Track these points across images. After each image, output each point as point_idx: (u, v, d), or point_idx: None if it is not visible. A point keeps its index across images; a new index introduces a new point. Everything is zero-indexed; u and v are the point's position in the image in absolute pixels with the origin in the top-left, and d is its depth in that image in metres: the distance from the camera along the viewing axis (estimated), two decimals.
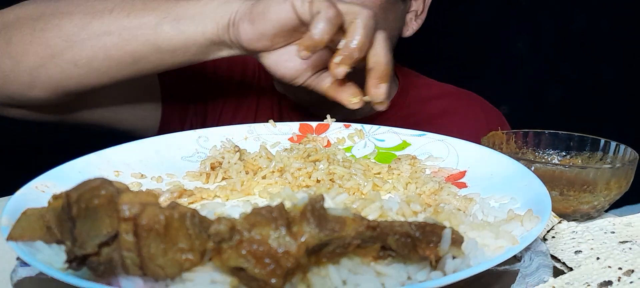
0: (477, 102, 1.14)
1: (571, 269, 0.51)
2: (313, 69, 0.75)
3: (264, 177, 0.65)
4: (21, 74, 0.78)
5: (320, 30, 0.65)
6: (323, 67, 0.75)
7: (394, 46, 1.00)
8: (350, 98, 0.72)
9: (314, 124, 0.77)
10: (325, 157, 0.68)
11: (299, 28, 0.70)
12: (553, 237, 0.56)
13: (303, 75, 0.75)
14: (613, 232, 0.56)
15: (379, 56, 0.69)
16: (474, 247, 0.44)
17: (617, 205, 0.73)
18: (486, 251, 0.46)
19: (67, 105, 0.85)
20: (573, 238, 0.55)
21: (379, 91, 0.70)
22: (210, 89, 1.03)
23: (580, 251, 0.53)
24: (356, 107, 0.72)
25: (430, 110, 1.09)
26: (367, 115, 1.03)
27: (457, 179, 0.65)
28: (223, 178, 0.66)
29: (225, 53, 0.77)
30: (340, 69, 0.67)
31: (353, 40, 0.67)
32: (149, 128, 0.98)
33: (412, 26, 1.04)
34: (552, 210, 0.53)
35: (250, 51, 0.74)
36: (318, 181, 0.64)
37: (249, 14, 0.71)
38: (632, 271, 0.49)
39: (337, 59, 0.67)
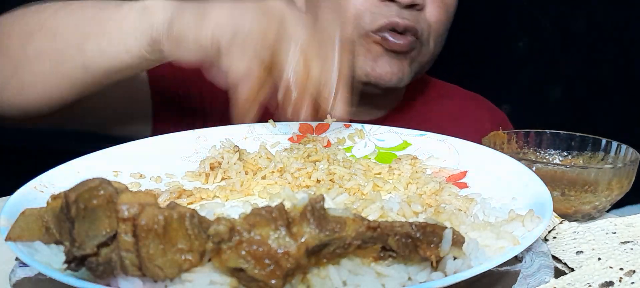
0: (483, 104, 1.15)
1: (572, 270, 0.51)
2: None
3: (263, 177, 0.64)
4: None
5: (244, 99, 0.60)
6: None
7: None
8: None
9: (314, 123, 0.77)
10: (325, 157, 0.67)
11: None
12: (554, 237, 0.55)
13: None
14: (614, 233, 0.56)
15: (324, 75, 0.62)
16: (475, 247, 0.44)
17: (619, 205, 0.73)
18: (487, 251, 0.46)
19: (54, 115, 0.82)
20: (574, 239, 0.55)
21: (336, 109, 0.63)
22: (203, 105, 1.01)
23: (581, 251, 0.53)
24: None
25: (436, 110, 1.10)
26: (376, 117, 1.05)
27: (458, 179, 0.65)
28: (222, 179, 0.65)
29: (163, 61, 0.72)
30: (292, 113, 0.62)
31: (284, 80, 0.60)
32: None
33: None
34: (554, 211, 0.53)
35: None
36: (318, 181, 0.63)
37: (167, 35, 0.65)
38: (634, 271, 0.49)
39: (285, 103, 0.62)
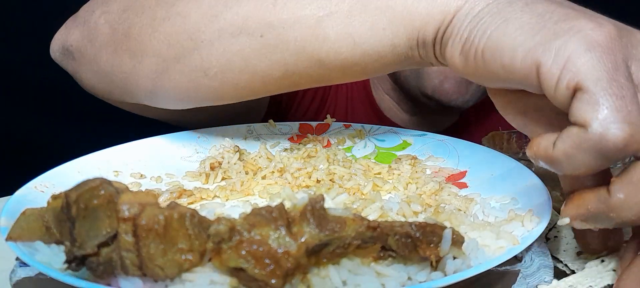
0: None
1: (573, 271, 0.51)
2: None
3: (263, 177, 0.65)
4: (141, 77, 0.58)
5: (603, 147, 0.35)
6: None
7: None
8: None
9: (314, 123, 0.77)
10: (325, 157, 0.68)
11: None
12: (555, 236, 0.56)
13: None
14: None
15: None
16: (474, 247, 0.44)
17: None
18: (487, 251, 0.46)
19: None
20: (575, 238, 0.55)
21: None
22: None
23: (582, 252, 0.53)
24: None
25: (485, 128, 1.06)
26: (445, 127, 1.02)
27: (457, 179, 0.65)
28: (223, 179, 0.66)
29: (425, 66, 0.50)
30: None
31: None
32: None
33: None
34: (553, 210, 0.53)
35: None
36: (318, 181, 0.63)
37: (461, 43, 0.43)
38: None
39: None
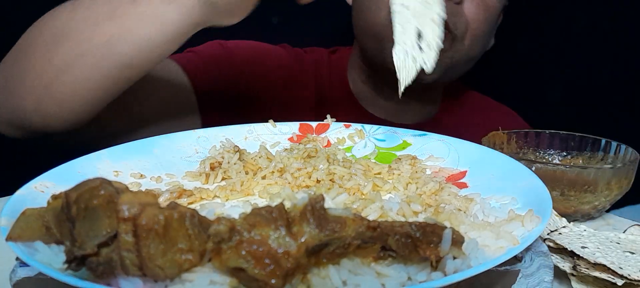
0: (514, 118, 1.15)
1: (579, 257, 0.51)
2: None
3: (263, 177, 0.64)
4: (28, 101, 0.74)
5: None
6: None
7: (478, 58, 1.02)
8: None
9: (314, 123, 0.77)
10: (325, 157, 0.67)
11: None
12: (560, 233, 0.56)
13: None
14: (618, 243, 0.57)
15: None
16: (474, 247, 0.44)
17: (619, 205, 0.73)
18: (487, 251, 0.46)
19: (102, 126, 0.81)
20: (579, 238, 0.56)
21: None
22: (250, 96, 1.00)
23: (586, 247, 0.53)
24: None
25: (471, 122, 1.09)
26: (414, 122, 1.05)
27: (457, 179, 0.65)
28: (223, 179, 0.66)
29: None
30: None
31: None
32: None
33: (491, 41, 1.05)
34: (553, 210, 0.53)
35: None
36: (318, 181, 0.63)
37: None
38: None
39: None
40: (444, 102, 1.10)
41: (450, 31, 0.91)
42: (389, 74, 0.93)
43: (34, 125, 0.76)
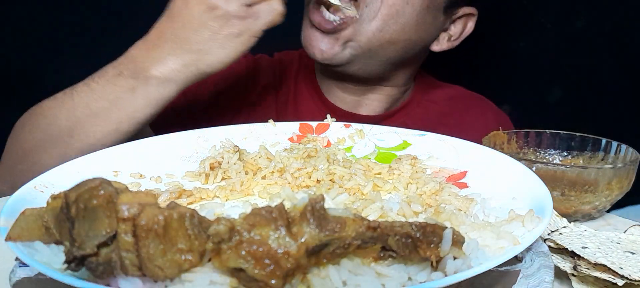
0: (487, 105, 1.16)
1: (580, 257, 0.51)
2: None
3: (263, 177, 0.64)
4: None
5: None
6: None
7: (416, 53, 1.02)
8: None
9: (314, 123, 0.77)
10: (325, 157, 0.67)
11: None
12: (560, 233, 0.56)
13: None
14: (619, 243, 0.57)
15: None
16: (475, 247, 0.44)
17: (619, 205, 0.73)
18: (487, 251, 0.46)
19: None
20: (580, 238, 0.56)
21: None
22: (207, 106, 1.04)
23: (587, 247, 0.53)
24: None
25: (440, 111, 1.10)
26: (375, 114, 1.06)
27: (458, 179, 0.65)
28: (222, 179, 0.65)
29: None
30: None
31: None
32: None
33: (442, 44, 1.03)
34: (554, 210, 0.53)
35: None
36: (318, 181, 0.63)
37: (198, 71, 0.80)
38: None
39: None
40: (412, 94, 1.11)
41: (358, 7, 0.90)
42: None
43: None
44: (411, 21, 0.94)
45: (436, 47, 1.03)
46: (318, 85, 1.09)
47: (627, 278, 0.51)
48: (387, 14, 0.91)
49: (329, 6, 0.90)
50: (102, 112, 0.80)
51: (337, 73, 1.01)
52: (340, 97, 1.07)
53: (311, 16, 0.92)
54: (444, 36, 1.03)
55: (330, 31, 0.92)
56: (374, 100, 1.07)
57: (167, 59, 0.79)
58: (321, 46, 0.94)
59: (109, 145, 0.73)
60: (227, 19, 0.77)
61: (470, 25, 1.04)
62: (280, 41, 1.20)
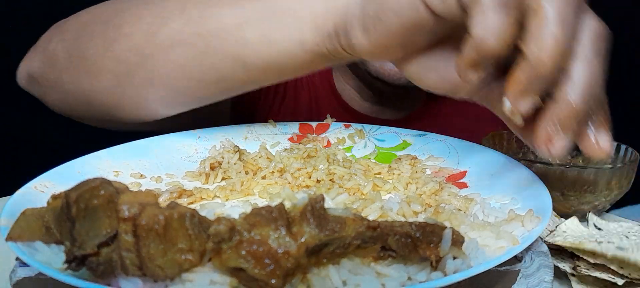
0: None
1: (579, 257, 0.52)
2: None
3: (263, 177, 0.65)
4: (100, 93, 0.64)
5: (488, 29, 0.39)
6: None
7: None
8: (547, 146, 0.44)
9: (314, 123, 0.77)
10: (325, 157, 0.68)
11: (442, 25, 0.45)
12: (564, 231, 0.56)
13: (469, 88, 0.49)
14: (627, 237, 0.57)
15: (587, 77, 0.41)
16: (474, 247, 0.44)
17: (619, 205, 0.73)
18: (487, 251, 0.46)
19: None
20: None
21: (597, 144, 0.44)
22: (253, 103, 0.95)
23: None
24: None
25: (458, 113, 1.09)
26: (398, 118, 1.05)
27: (457, 179, 0.65)
28: (223, 179, 0.66)
29: (340, 61, 0.55)
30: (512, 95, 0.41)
31: (538, 46, 0.39)
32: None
33: None
34: (553, 210, 0.53)
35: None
36: (318, 181, 0.63)
37: (360, 18, 0.48)
38: None
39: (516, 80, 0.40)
40: (428, 96, 1.09)
41: None
42: (375, 79, 0.93)
43: (107, 115, 0.67)
44: None
45: None
46: (335, 87, 1.06)
47: (627, 277, 0.51)
48: None
49: None
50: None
51: (391, 87, 0.92)
52: (359, 102, 1.05)
53: None
54: None
55: None
56: (392, 108, 1.05)
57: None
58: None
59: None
60: None
61: None
62: None
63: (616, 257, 0.51)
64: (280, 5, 0.54)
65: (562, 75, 0.41)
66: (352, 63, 0.98)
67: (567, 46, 0.40)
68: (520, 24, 0.40)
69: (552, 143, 0.43)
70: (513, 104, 0.41)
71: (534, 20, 0.39)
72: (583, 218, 0.69)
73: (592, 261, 0.53)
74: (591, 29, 0.42)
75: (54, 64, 0.66)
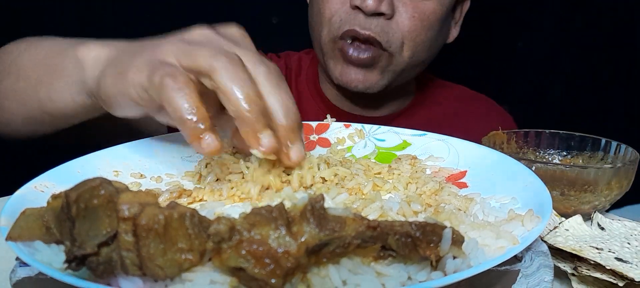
0: (491, 105, 1.16)
1: (580, 257, 0.52)
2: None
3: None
4: None
5: (182, 114, 0.50)
6: None
7: (438, 52, 1.05)
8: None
9: (314, 123, 0.77)
10: (325, 157, 0.67)
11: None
12: (567, 229, 0.56)
13: None
14: (629, 243, 0.57)
15: (279, 105, 0.54)
16: (474, 246, 0.44)
17: (618, 205, 0.73)
18: (487, 251, 0.46)
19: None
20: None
21: (293, 152, 0.56)
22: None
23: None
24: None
25: (444, 111, 1.11)
26: (382, 115, 1.08)
27: (457, 179, 0.65)
28: (217, 179, 0.65)
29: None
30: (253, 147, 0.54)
31: (234, 108, 0.52)
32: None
33: (453, 34, 1.07)
34: (553, 210, 0.53)
35: None
36: (324, 180, 0.63)
37: (99, 97, 0.60)
38: None
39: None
40: (417, 95, 1.12)
41: (384, 49, 0.93)
42: (339, 87, 0.99)
43: None
44: (434, 38, 0.98)
45: (450, 39, 1.07)
46: (320, 86, 1.10)
47: (627, 278, 0.51)
48: (414, 43, 0.95)
49: (361, 39, 0.92)
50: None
51: (364, 95, 1.01)
52: (342, 101, 1.08)
53: (346, 53, 0.93)
54: (452, 24, 1.06)
55: (369, 63, 0.93)
56: (377, 108, 1.08)
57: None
58: (360, 78, 0.95)
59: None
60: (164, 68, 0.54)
61: (468, 2, 1.06)
62: (281, 40, 1.20)
63: (615, 270, 0.51)
64: (54, 70, 0.69)
65: (268, 109, 0.54)
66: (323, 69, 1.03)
67: (252, 92, 0.52)
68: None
69: (289, 153, 0.56)
70: (258, 149, 0.53)
71: (221, 95, 0.52)
72: (587, 217, 0.69)
73: (592, 262, 0.53)
74: (261, 72, 0.54)
75: None
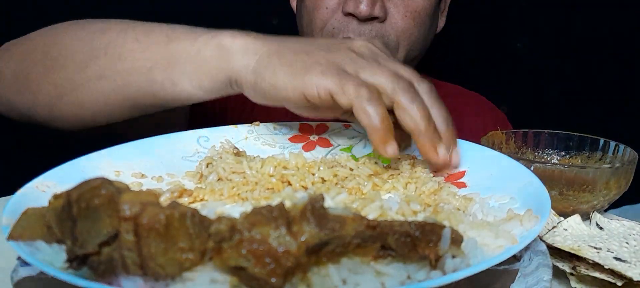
0: (484, 104, 1.16)
1: (578, 257, 0.52)
2: None
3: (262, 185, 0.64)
4: (40, 108, 0.77)
5: (375, 120, 0.58)
6: None
7: (430, 45, 1.06)
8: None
9: (314, 124, 0.77)
10: (325, 157, 0.68)
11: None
12: (565, 229, 0.56)
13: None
14: (627, 242, 0.57)
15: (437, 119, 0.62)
16: (473, 246, 0.44)
17: (617, 205, 0.73)
18: (486, 250, 0.46)
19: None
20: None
21: (455, 155, 0.64)
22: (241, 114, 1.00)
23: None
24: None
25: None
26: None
27: (456, 179, 0.65)
28: (219, 179, 0.65)
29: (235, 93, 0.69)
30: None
31: (415, 123, 0.60)
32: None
33: (440, 23, 1.09)
34: (552, 209, 0.54)
35: None
36: (324, 181, 0.63)
37: (252, 86, 0.63)
38: None
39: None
40: None
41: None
42: None
43: (46, 123, 0.79)
44: (425, 34, 0.99)
45: (438, 29, 1.08)
46: None
47: (626, 277, 0.51)
48: (409, 42, 0.97)
49: None
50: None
51: None
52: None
53: (346, 6, 0.93)
54: (439, 17, 1.08)
55: (368, 18, 0.93)
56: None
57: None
58: (359, 30, 0.94)
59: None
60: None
61: None
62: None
63: (613, 270, 0.51)
64: (180, 54, 0.67)
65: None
66: None
67: (427, 111, 0.61)
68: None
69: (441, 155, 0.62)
70: (439, 158, 0.62)
71: (401, 112, 0.60)
72: (586, 217, 0.70)
73: (591, 261, 0.53)
74: (424, 90, 0.62)
75: (1, 80, 0.79)
